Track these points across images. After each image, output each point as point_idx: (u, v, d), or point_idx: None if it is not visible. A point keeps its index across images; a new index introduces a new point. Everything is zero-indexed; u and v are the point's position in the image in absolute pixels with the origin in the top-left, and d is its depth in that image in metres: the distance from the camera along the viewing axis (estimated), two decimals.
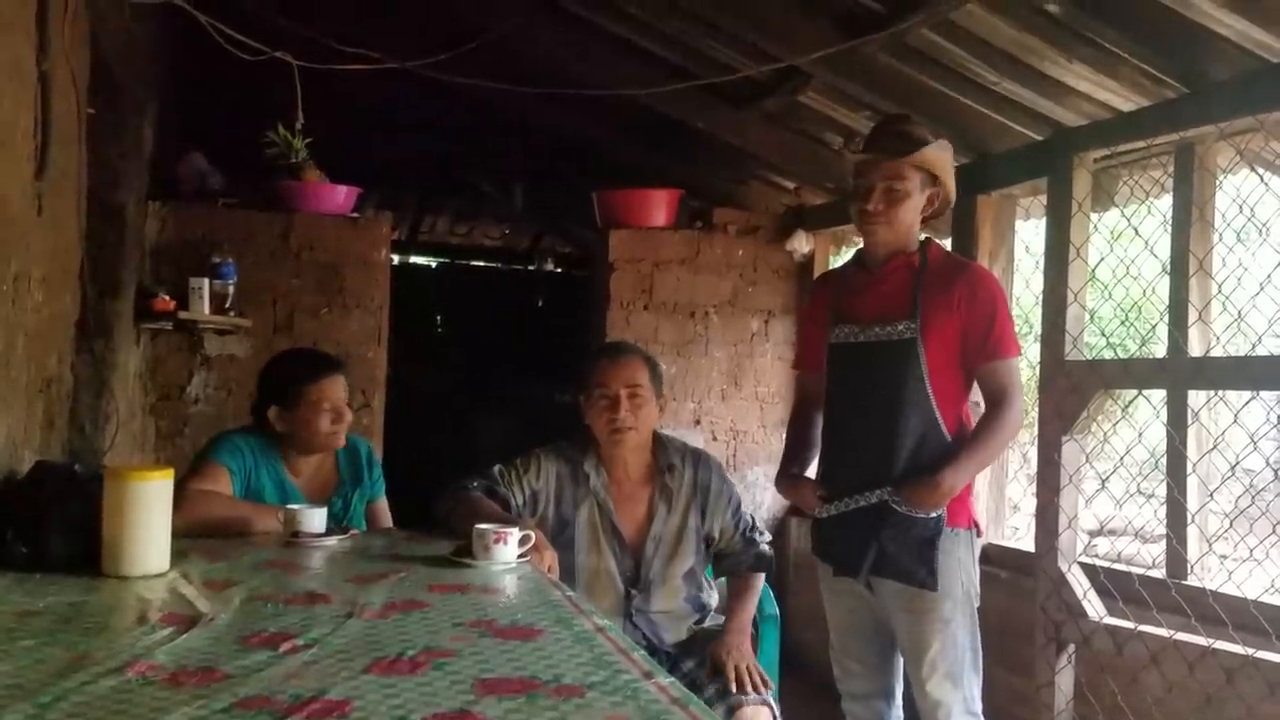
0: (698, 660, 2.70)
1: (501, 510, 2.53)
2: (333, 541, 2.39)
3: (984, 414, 2.64)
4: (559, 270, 8.00)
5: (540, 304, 8.00)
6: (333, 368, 2.80)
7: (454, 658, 1.48)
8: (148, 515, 1.96)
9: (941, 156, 2.64)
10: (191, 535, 2.29)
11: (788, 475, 2.85)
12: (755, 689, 2.59)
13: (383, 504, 2.95)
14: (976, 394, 2.70)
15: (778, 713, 2.64)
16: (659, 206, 5.03)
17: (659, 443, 2.78)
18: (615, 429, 2.66)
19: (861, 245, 2.83)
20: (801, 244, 5.10)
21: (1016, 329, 2.74)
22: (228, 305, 4.22)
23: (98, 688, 1.31)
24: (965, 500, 2.65)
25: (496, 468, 2.73)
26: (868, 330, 2.64)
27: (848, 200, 2.76)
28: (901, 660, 2.73)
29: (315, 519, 2.41)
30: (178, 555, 2.05)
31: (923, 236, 2.74)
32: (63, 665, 1.39)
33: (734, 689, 2.56)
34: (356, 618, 1.68)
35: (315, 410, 2.71)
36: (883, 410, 2.58)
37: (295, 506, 2.46)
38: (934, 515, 2.54)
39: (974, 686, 2.60)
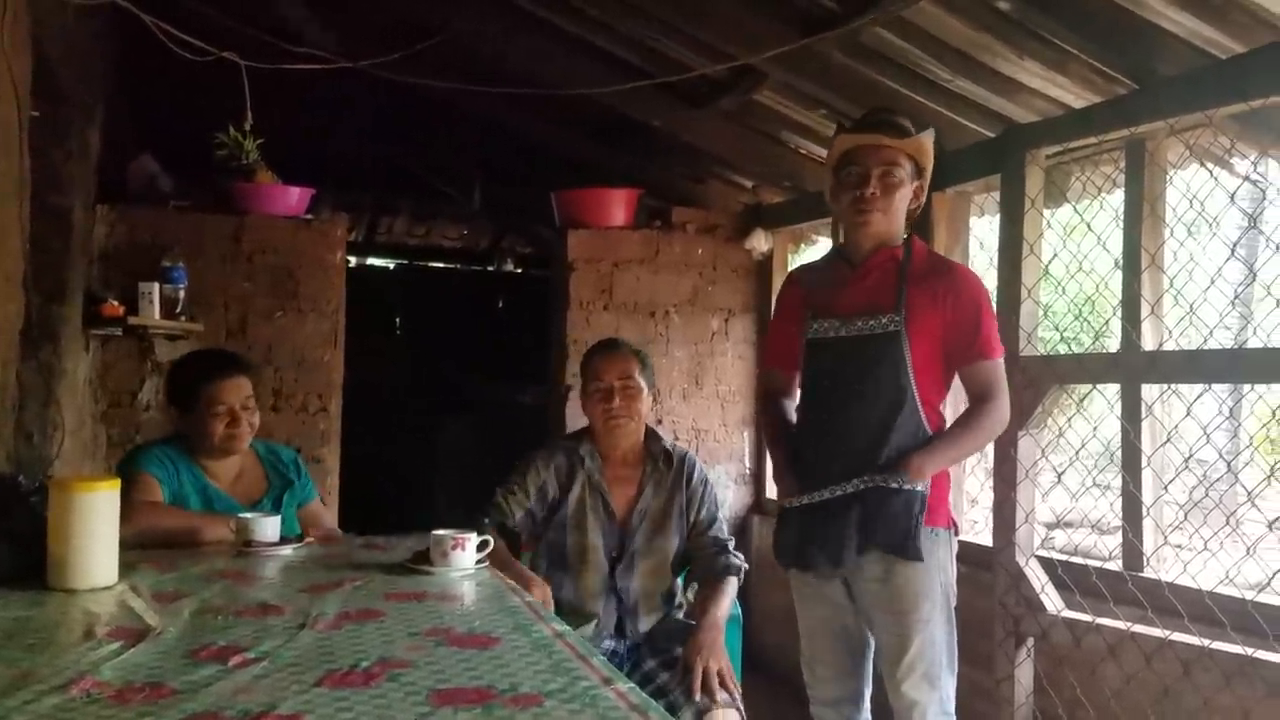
0: (661, 660, 2.72)
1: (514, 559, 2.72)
2: (287, 550, 2.36)
3: (966, 409, 2.61)
4: (519, 271, 7.96)
5: (500, 305, 7.96)
6: (230, 369, 2.75)
7: (409, 668, 1.46)
8: (94, 526, 1.93)
9: (930, 147, 2.61)
10: (141, 547, 2.25)
11: (790, 471, 2.71)
12: (726, 691, 2.60)
13: (316, 506, 2.92)
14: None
15: (744, 717, 2.63)
16: (618, 206, 5.02)
17: (651, 434, 2.96)
18: (611, 417, 2.84)
19: (843, 239, 2.75)
20: (760, 242, 5.11)
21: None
22: (178, 310, 4.15)
23: (40, 706, 1.28)
24: (944, 499, 2.62)
25: (497, 493, 2.88)
26: (849, 324, 2.59)
27: (833, 190, 2.67)
28: (870, 666, 2.71)
29: (268, 527, 2.38)
30: (126, 567, 2.01)
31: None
32: (5, 683, 1.36)
33: (699, 694, 2.56)
34: (309, 629, 1.66)
35: (208, 413, 2.67)
36: (866, 404, 2.53)
37: (247, 515, 2.43)
38: (918, 488, 2.48)
39: (949, 687, 2.58)
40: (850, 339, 2.59)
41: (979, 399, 2.58)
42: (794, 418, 2.78)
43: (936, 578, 2.55)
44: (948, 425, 2.62)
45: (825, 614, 2.70)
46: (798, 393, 2.82)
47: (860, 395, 2.55)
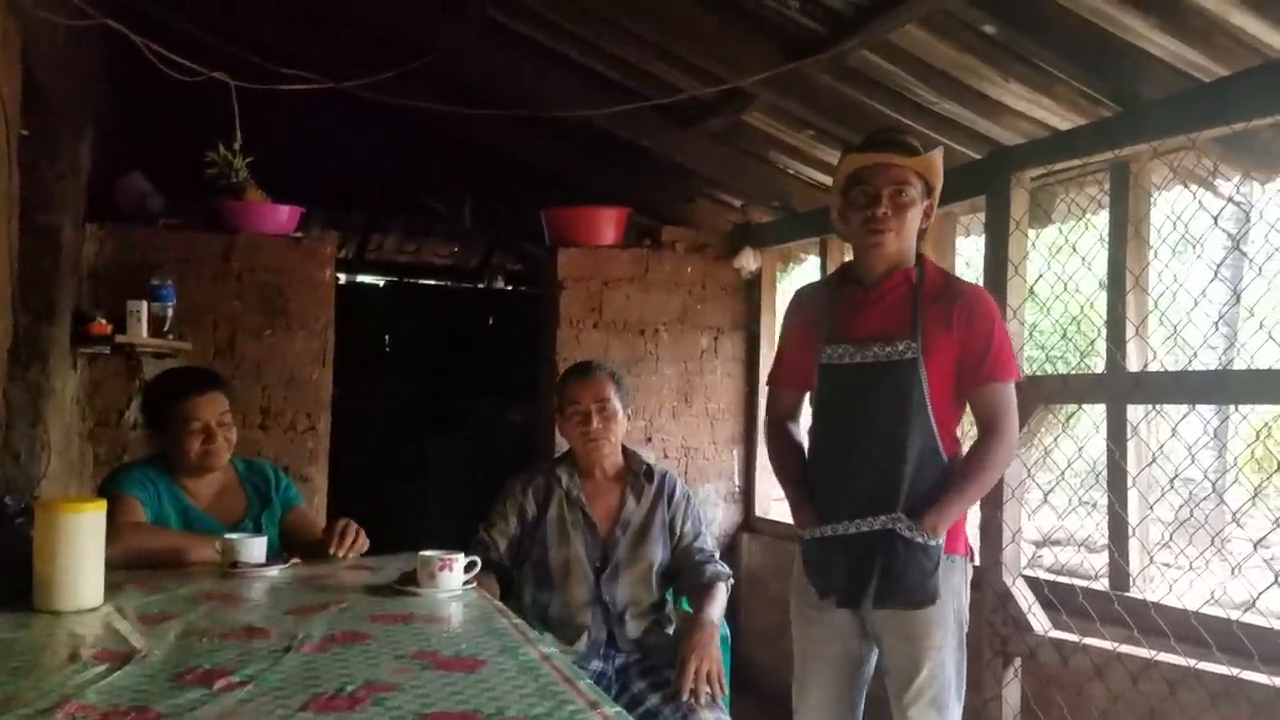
0: (650, 682, 2.73)
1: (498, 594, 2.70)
2: (274, 571, 2.35)
3: (975, 443, 2.56)
4: (510, 288, 7.96)
5: (491, 322, 7.96)
6: (204, 386, 2.73)
7: (395, 692, 1.46)
8: (80, 548, 1.93)
9: (940, 165, 2.56)
10: (126, 567, 2.25)
11: (808, 501, 2.66)
12: (710, 691, 2.63)
13: (303, 510, 2.91)
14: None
15: None
16: (608, 224, 5.03)
17: (630, 453, 3.05)
18: (590, 439, 2.91)
19: (854, 260, 2.69)
20: (749, 261, 5.12)
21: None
22: (166, 328, 4.14)
23: None
24: (961, 526, 2.60)
25: (479, 529, 2.92)
26: (865, 350, 2.53)
27: (841, 211, 2.62)
28: (863, 697, 2.69)
29: (255, 548, 2.37)
30: (112, 588, 2.01)
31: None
32: None
33: (686, 694, 2.59)
34: (295, 652, 1.65)
35: (184, 430, 2.66)
36: (884, 433, 2.49)
37: (233, 536, 2.42)
38: (936, 543, 2.46)
39: (956, 715, 2.56)
40: (865, 366, 2.53)
41: (986, 428, 2.53)
42: (804, 441, 2.74)
43: (950, 604, 2.53)
44: (963, 451, 2.58)
45: (826, 637, 2.66)
46: (805, 414, 2.79)
47: (876, 423, 2.50)
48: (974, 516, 3.27)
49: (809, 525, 2.61)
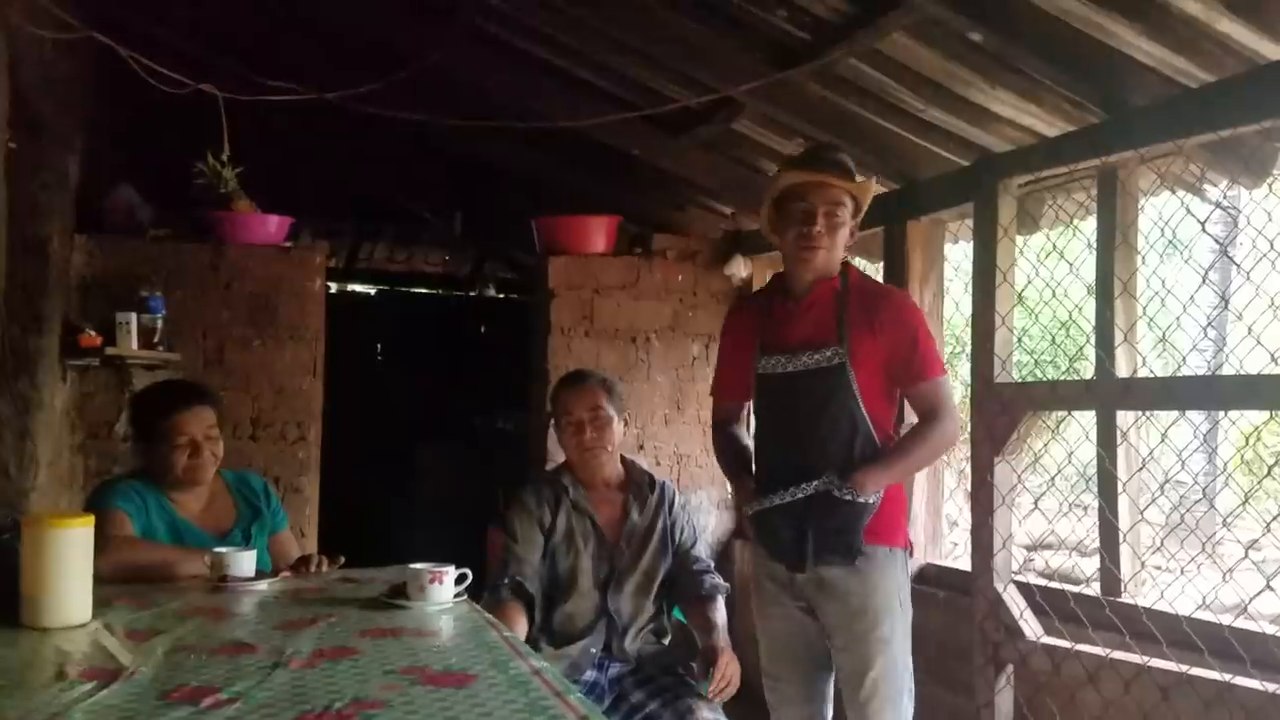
0: (647, 691, 2.77)
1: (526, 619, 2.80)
2: (263, 585, 2.34)
3: (914, 425, 2.69)
4: (501, 296, 7.96)
5: (482, 330, 7.95)
6: (189, 401, 2.72)
7: (384, 709, 1.44)
8: (68, 564, 1.91)
9: (872, 191, 2.67)
10: (115, 582, 2.23)
11: (748, 486, 2.78)
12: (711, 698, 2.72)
13: (286, 535, 2.89)
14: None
15: None
16: (598, 233, 5.03)
17: (628, 463, 3.07)
18: (586, 448, 2.93)
19: (783, 272, 2.81)
20: (739, 269, 5.13)
21: (945, 348, 2.78)
22: (156, 340, 4.14)
23: None
24: (900, 520, 2.70)
25: (506, 549, 2.91)
26: (795, 359, 2.65)
27: (773, 223, 2.72)
28: (832, 685, 2.75)
29: (244, 562, 2.35)
30: (101, 604, 1.99)
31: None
32: None
33: (715, 688, 2.70)
34: (283, 668, 1.64)
35: (171, 444, 2.64)
36: (821, 434, 2.59)
37: (222, 550, 2.40)
38: (867, 501, 2.56)
39: (909, 711, 2.63)
40: (797, 374, 2.65)
41: (925, 418, 2.65)
42: (748, 442, 2.85)
43: (895, 596, 2.62)
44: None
45: (788, 630, 2.74)
46: (747, 420, 2.91)
47: (815, 427, 2.61)
48: (963, 525, 3.26)
49: (748, 501, 2.72)
